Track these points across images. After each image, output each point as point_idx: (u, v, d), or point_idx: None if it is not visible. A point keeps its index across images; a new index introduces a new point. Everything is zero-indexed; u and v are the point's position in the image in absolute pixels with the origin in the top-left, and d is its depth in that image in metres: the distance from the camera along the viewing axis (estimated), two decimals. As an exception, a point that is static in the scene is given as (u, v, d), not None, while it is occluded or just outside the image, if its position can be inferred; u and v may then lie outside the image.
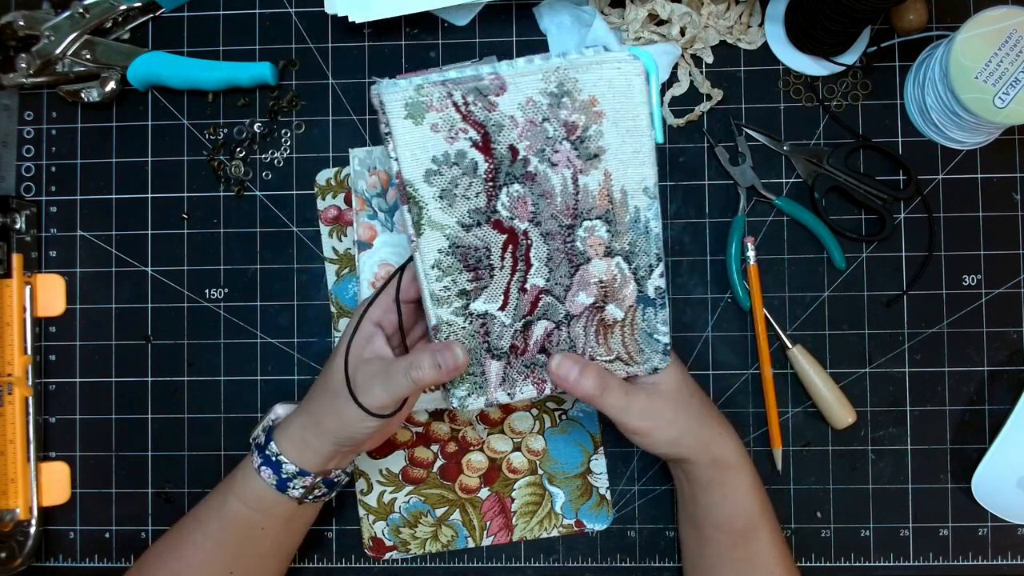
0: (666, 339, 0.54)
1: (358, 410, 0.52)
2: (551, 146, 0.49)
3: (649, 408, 0.55)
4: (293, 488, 0.56)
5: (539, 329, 0.54)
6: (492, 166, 0.50)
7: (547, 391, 0.55)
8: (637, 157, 0.50)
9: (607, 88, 0.48)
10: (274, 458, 0.55)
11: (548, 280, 0.52)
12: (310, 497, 0.57)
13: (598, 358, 0.55)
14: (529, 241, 0.51)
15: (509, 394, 0.54)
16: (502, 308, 0.53)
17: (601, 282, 0.52)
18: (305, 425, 0.55)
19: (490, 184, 0.50)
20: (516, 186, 0.50)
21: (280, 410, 0.60)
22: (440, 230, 0.50)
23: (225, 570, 0.57)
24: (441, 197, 0.50)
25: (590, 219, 0.51)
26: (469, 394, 0.54)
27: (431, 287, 0.52)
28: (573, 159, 0.49)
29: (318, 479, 0.56)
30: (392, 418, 0.53)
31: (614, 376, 0.54)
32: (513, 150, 0.49)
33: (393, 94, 0.48)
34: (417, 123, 0.48)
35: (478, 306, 0.52)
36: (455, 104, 0.48)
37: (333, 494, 0.60)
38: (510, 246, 0.51)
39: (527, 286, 0.52)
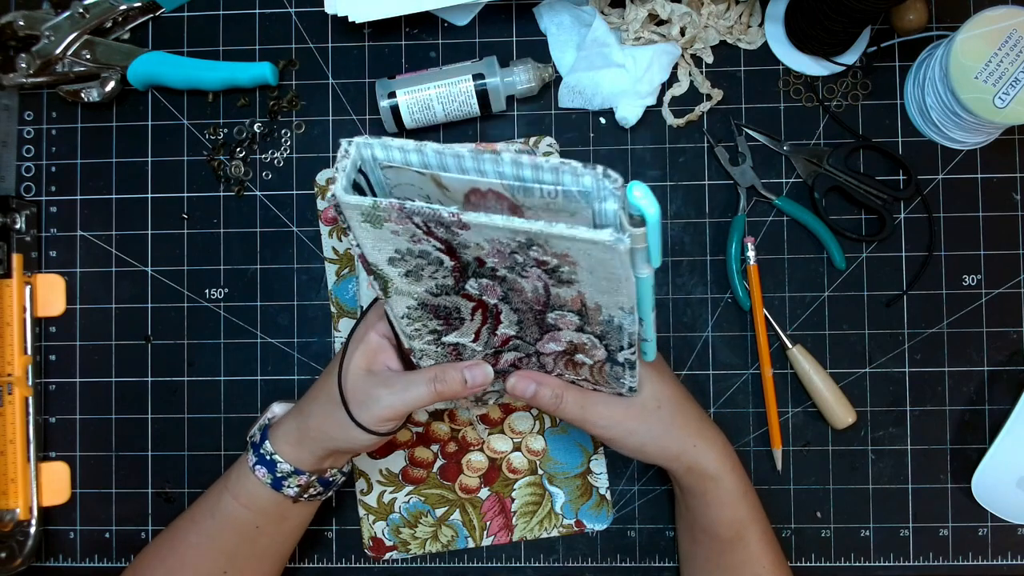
0: (633, 383, 0.54)
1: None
2: (521, 266, 0.46)
3: (608, 418, 0.55)
4: (288, 487, 0.56)
5: (509, 356, 0.54)
6: (459, 265, 0.47)
7: None
8: (614, 289, 0.45)
9: (582, 253, 0.42)
10: (268, 456, 0.55)
11: (518, 332, 0.52)
12: (305, 496, 0.57)
13: (566, 375, 0.55)
14: (499, 310, 0.51)
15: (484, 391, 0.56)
16: (474, 341, 0.53)
17: (571, 342, 0.52)
18: (302, 428, 0.55)
19: (457, 274, 0.48)
20: (485, 280, 0.48)
21: (277, 409, 0.60)
22: (408, 295, 0.50)
23: (219, 571, 0.57)
24: (407, 275, 0.48)
25: (562, 311, 0.49)
26: None
27: (403, 330, 0.52)
28: (545, 278, 0.46)
29: (313, 478, 0.56)
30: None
31: (571, 388, 0.55)
32: (480, 261, 0.46)
33: (349, 205, 0.43)
34: (376, 227, 0.45)
35: (450, 339, 0.53)
36: (415, 224, 0.44)
37: (329, 493, 0.60)
38: (480, 309, 0.51)
39: (498, 333, 0.52)
